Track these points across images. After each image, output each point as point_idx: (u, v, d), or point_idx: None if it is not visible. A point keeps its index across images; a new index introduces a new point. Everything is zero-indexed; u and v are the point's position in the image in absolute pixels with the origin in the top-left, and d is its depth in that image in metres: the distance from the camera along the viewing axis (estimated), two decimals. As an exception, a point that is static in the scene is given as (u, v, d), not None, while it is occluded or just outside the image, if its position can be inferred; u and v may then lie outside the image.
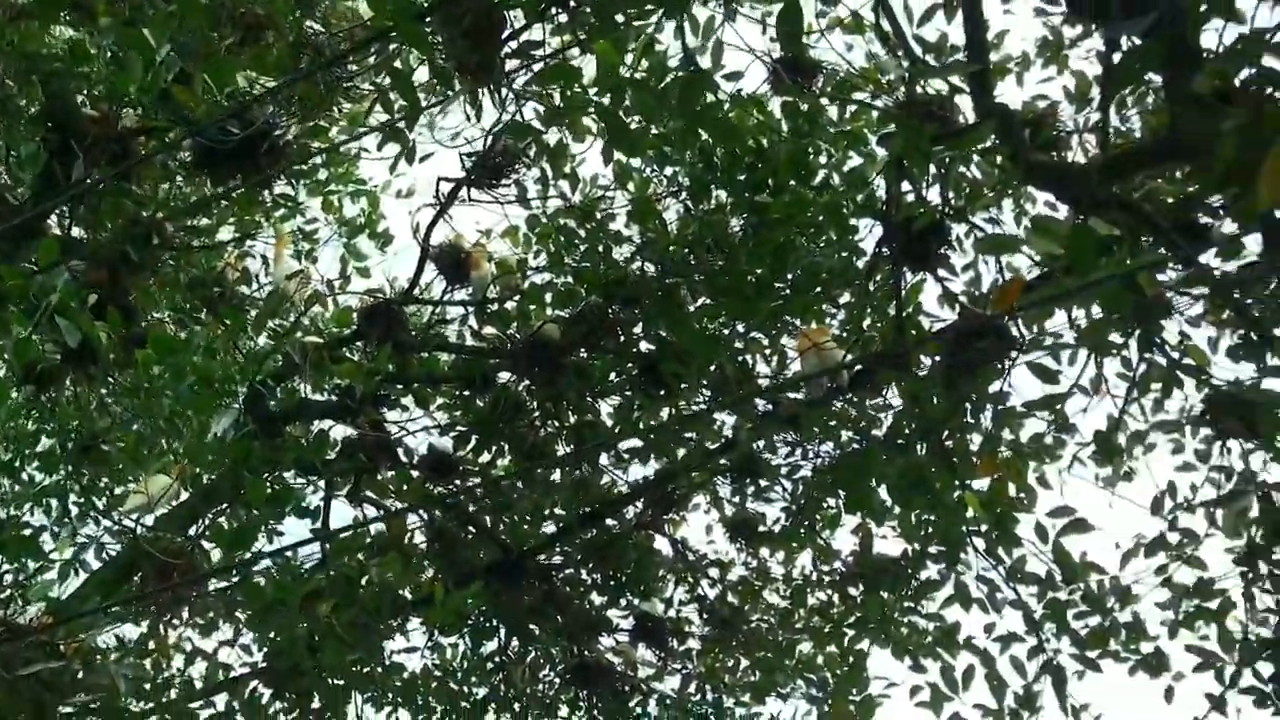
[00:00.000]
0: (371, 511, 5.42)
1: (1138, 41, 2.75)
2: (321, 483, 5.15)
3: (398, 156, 4.34)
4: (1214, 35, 2.94)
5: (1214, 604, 4.44)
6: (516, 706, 5.99)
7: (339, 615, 4.38)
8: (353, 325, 5.16)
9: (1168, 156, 3.34)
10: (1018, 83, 4.59)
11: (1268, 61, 2.80)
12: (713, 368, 4.79)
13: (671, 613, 5.77)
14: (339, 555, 4.56)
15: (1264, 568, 4.31)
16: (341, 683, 5.20)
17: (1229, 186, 2.63)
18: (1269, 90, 2.52)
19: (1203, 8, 2.93)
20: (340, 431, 5.18)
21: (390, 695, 5.93)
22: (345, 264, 5.48)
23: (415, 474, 5.18)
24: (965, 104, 4.09)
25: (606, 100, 3.22)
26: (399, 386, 5.22)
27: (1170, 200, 3.71)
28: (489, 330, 5.14)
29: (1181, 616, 4.46)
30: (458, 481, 5.36)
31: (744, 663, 5.77)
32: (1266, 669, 4.28)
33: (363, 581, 4.64)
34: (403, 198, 5.31)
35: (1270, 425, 3.62)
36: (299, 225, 5.46)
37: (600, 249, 4.80)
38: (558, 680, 5.92)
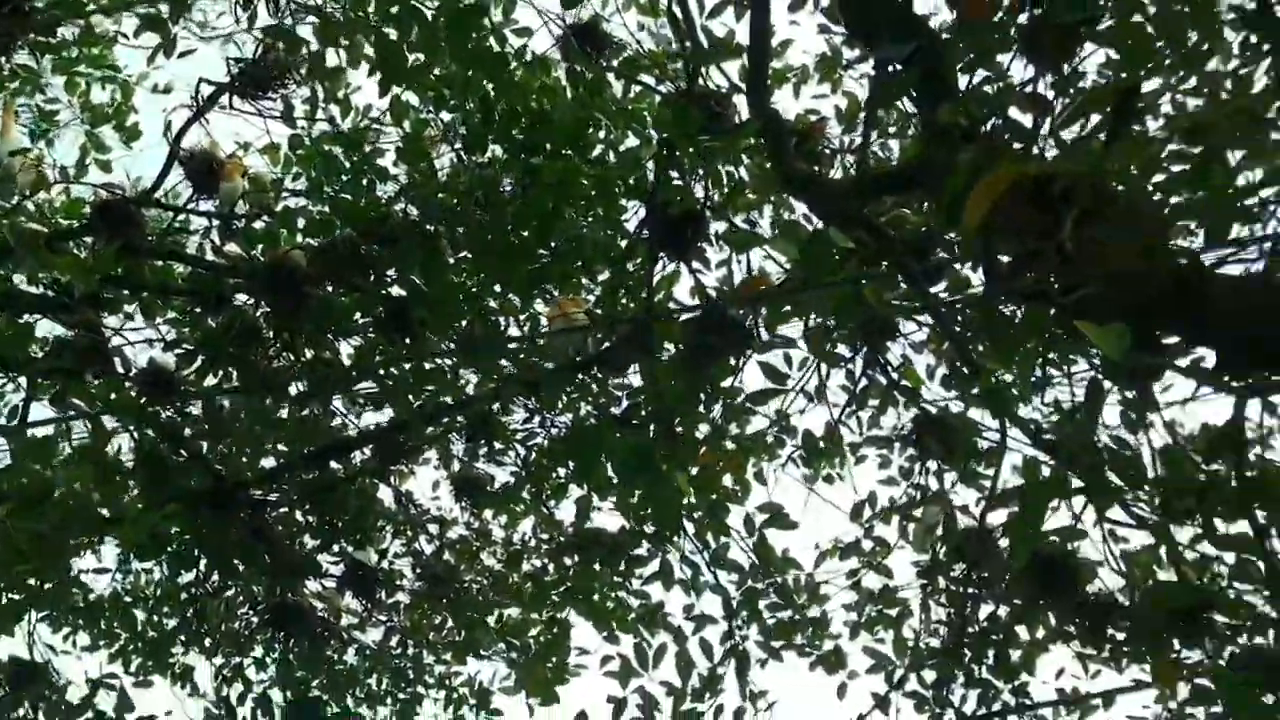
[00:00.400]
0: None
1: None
2: (23, 380, 4.76)
3: (157, 48, 4.08)
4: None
5: (894, 611, 4.77)
6: (208, 642, 5.75)
7: (20, 523, 4.08)
8: (83, 218, 4.79)
9: (914, 185, 3.54)
10: (794, 94, 4.76)
11: (1013, 112, 3.02)
12: (463, 322, 4.73)
13: (384, 564, 5.66)
14: (28, 458, 4.23)
15: (943, 582, 4.66)
16: (17, 597, 4.86)
17: (956, 218, 2.82)
18: (1006, 135, 2.72)
19: (969, 57, 3.13)
20: (51, 329, 4.81)
21: (71, 616, 5.59)
22: (85, 153, 5.08)
23: (129, 386, 4.86)
24: (744, 105, 4.21)
25: (384, 24, 3.12)
26: (125, 291, 4.88)
27: (910, 228, 3.93)
28: (232, 248, 4.89)
29: (864, 619, 4.76)
30: (176, 401, 5.08)
31: (450, 621, 5.74)
32: (930, 676, 4.64)
33: (54, 493, 4.33)
34: (158, 93, 4.96)
35: (965, 450, 3.90)
36: (37, 103, 5.01)
37: (364, 183, 4.65)
38: (255, 619, 5.72)
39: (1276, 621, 3.59)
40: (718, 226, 4.44)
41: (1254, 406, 4.21)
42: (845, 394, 4.74)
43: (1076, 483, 3.45)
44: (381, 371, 4.99)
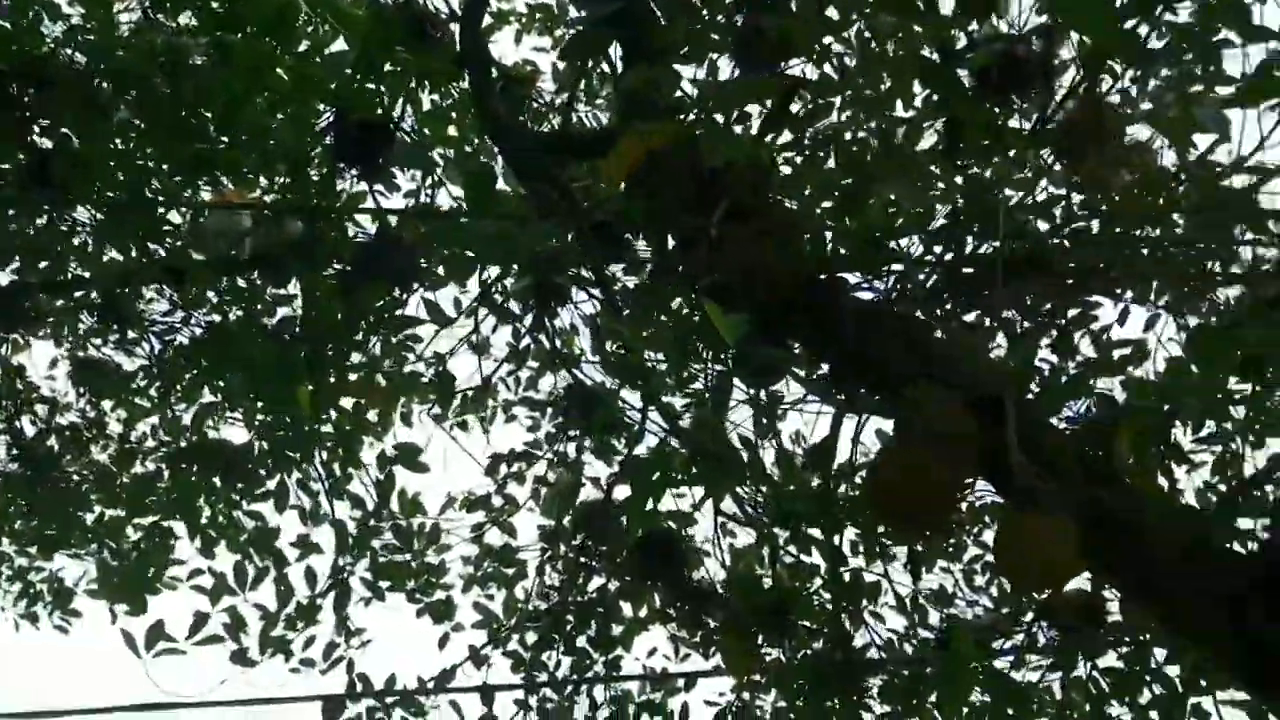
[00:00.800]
0: None
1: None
2: None
3: None
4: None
5: (511, 570, 4.81)
6: None
7: None
8: None
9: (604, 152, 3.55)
10: (515, 40, 4.68)
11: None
12: (113, 191, 4.33)
13: (-26, 438, 5.11)
14: None
15: (563, 549, 4.74)
16: None
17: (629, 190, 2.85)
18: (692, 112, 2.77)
19: (684, 49, 3.18)
20: None
21: None
22: None
23: None
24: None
25: None
26: None
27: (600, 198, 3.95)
28: None
29: (480, 574, 4.77)
30: None
31: (41, 511, 5.25)
32: (531, 638, 4.72)
33: None
34: None
35: (603, 423, 3.96)
36: None
37: (29, 15, 4.16)
38: None
39: (839, 627, 3.89)
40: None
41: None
42: (509, 349, 4.73)
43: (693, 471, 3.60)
44: (11, 226, 4.49)
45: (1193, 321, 3.87)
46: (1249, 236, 3.39)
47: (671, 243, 3.10)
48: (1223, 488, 3.38)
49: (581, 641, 4.65)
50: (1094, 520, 2.28)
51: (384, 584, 4.46)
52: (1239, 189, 3.29)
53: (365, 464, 4.42)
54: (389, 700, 4.25)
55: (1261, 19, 3.17)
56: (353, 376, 4.52)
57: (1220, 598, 2.37)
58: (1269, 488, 2.87)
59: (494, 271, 4.38)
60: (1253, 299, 3.72)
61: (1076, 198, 3.51)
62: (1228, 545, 2.54)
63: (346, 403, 4.50)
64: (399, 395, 4.64)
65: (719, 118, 2.63)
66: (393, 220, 4.26)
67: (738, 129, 2.69)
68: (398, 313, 4.24)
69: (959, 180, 3.37)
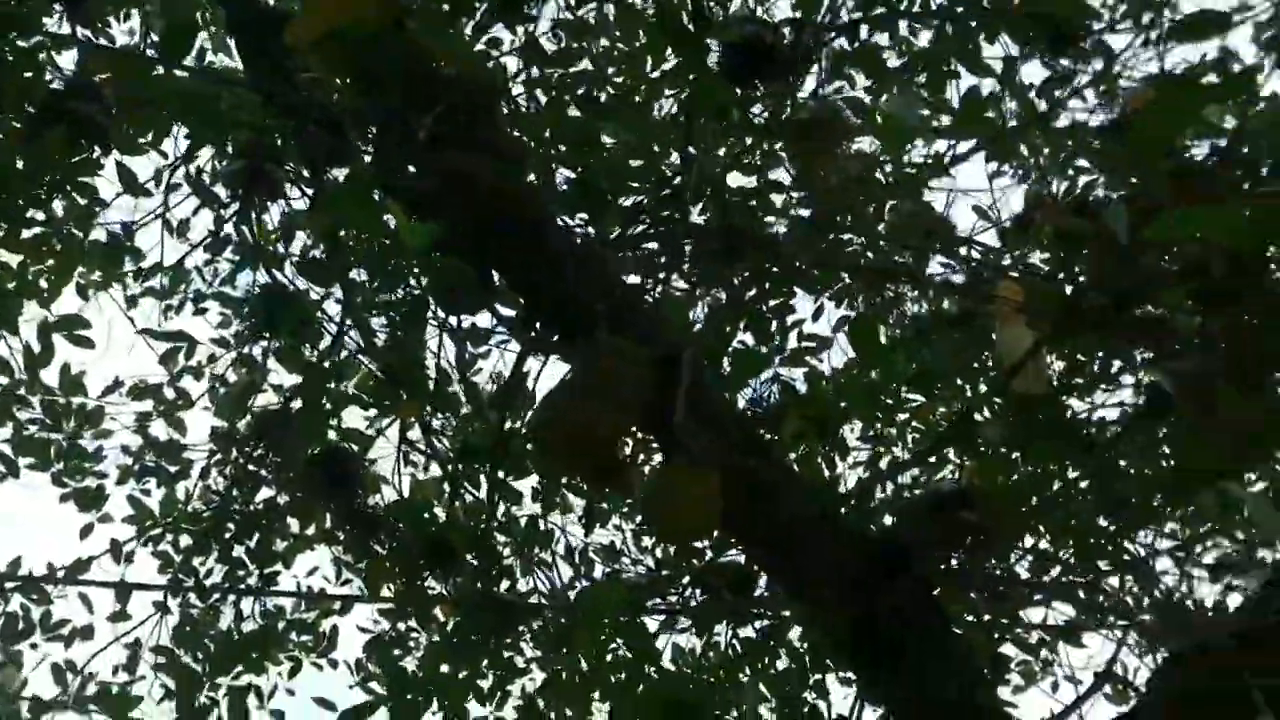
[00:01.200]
0: None
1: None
2: None
3: None
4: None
5: (175, 468, 4.53)
6: None
7: None
8: None
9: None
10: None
11: None
12: None
13: None
14: None
15: (234, 454, 4.50)
16: None
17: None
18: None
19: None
20: None
21: None
22: None
23: None
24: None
25: None
26: None
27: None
28: None
29: (137, 467, 4.47)
30: None
31: None
32: (185, 541, 4.48)
33: None
34: None
35: (289, 327, 3.77)
36: None
37: None
38: None
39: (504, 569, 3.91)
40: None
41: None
42: (209, 235, 4.43)
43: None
44: None
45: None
46: (940, 255, 3.62)
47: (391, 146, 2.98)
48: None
49: (239, 551, 4.44)
50: (743, 489, 2.36)
51: (24, 460, 4.09)
52: (936, 209, 3.53)
53: (20, 328, 4.02)
54: (9, 585, 3.92)
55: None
56: (26, 233, 4.11)
57: (845, 579, 2.52)
58: (907, 485, 3.09)
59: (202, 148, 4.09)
60: (936, 315, 3.99)
61: (795, 192, 3.65)
62: (860, 531, 2.71)
63: (11, 259, 4.07)
64: (77, 263, 4.25)
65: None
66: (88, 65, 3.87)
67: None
68: (87, 174, 3.87)
69: (690, 150, 3.41)
